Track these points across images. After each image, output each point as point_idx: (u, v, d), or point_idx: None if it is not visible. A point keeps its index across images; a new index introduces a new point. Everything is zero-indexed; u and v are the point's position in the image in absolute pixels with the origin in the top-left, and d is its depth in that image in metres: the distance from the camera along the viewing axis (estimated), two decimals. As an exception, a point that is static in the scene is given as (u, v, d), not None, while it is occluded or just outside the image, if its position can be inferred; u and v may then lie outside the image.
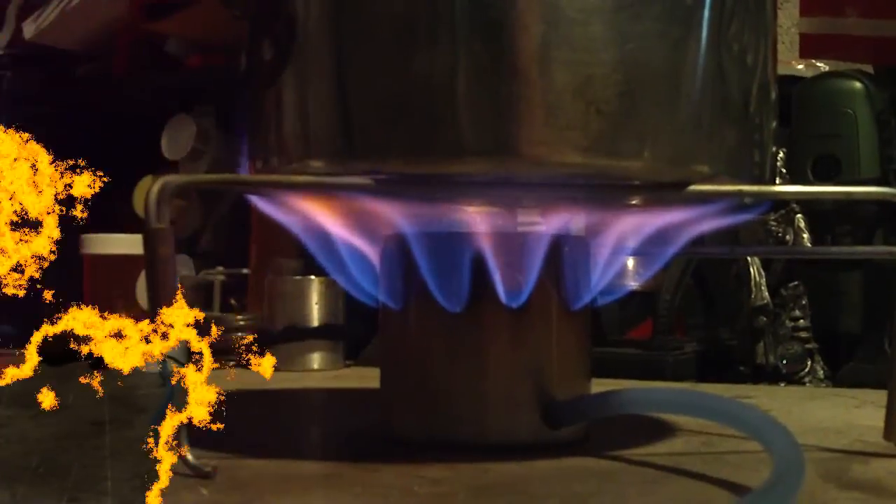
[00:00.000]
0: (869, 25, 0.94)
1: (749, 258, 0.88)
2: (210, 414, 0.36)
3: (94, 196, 0.36)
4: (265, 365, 0.37)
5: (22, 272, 0.35)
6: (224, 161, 1.14)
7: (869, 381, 0.78)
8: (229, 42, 1.07)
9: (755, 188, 0.49)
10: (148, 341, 0.35)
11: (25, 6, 1.25)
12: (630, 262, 0.78)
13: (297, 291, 0.94)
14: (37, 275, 0.37)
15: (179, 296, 0.37)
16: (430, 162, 0.45)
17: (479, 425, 0.51)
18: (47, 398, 0.36)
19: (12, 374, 0.36)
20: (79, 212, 0.38)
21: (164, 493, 0.40)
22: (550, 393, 0.51)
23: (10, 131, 0.37)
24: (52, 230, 0.37)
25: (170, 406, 0.36)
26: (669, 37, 0.45)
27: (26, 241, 0.37)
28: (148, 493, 0.35)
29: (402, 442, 0.53)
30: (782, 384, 0.86)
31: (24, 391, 0.36)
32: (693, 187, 0.47)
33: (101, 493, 0.36)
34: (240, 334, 0.98)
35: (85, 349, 0.36)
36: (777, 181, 0.88)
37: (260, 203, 0.52)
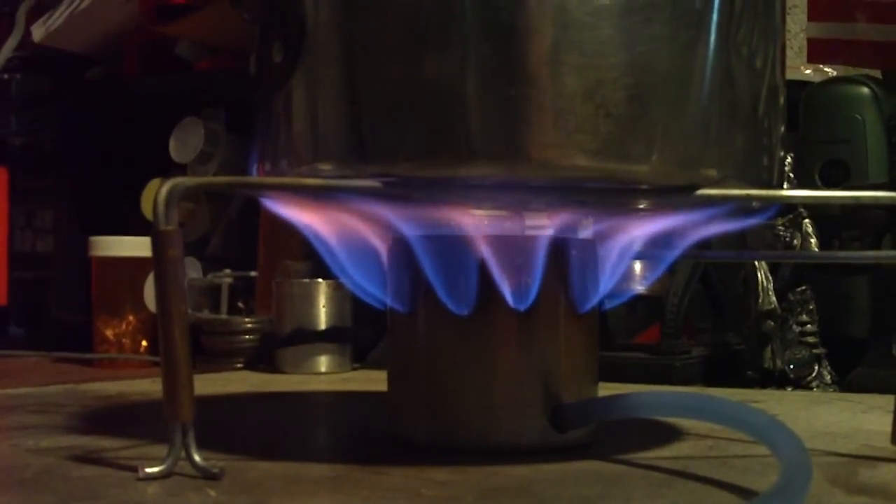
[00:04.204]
0: (877, 31, 0.94)
1: (757, 263, 0.88)
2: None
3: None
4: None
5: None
6: (233, 164, 1.14)
7: (876, 386, 0.78)
8: (239, 45, 1.07)
9: (763, 192, 0.49)
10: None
11: (35, 9, 1.26)
12: (637, 266, 0.79)
13: (305, 294, 0.94)
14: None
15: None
16: (439, 165, 0.45)
17: (486, 428, 0.51)
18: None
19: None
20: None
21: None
22: (558, 396, 0.51)
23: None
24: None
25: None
26: (679, 40, 0.45)
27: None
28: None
29: (409, 444, 0.53)
30: (790, 389, 0.86)
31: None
32: (701, 191, 0.47)
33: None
34: (247, 337, 0.98)
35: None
36: (785, 186, 0.87)
37: (272, 205, 0.52)
